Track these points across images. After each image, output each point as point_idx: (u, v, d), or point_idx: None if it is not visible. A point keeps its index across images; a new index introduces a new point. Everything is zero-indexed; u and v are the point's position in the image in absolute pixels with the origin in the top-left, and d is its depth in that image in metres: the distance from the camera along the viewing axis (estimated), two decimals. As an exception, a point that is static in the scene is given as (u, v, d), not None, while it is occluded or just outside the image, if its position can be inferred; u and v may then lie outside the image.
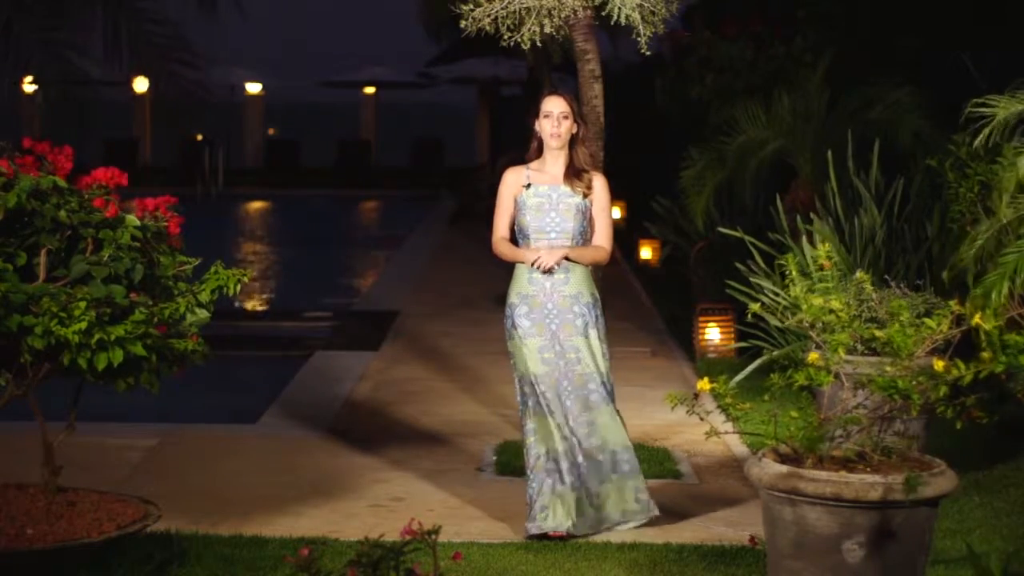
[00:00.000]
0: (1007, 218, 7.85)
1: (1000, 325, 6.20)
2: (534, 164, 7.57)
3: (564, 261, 7.42)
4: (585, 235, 7.49)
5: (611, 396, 7.50)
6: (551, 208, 7.45)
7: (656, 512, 7.59)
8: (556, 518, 7.38)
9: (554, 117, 7.47)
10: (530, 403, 7.44)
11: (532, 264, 7.40)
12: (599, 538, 7.43)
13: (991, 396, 6.05)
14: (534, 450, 7.45)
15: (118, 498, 6.94)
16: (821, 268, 7.13)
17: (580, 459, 7.42)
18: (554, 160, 7.52)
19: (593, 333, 7.44)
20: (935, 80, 13.07)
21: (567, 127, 7.48)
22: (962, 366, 5.97)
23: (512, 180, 7.56)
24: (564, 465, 7.40)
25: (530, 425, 7.45)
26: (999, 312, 7.44)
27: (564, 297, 7.42)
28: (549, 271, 7.41)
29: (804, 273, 6.88)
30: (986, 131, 8.06)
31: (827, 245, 7.52)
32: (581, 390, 7.38)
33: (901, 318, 6.40)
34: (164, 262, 6.82)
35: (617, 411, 7.54)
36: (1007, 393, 6.06)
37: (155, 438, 9.52)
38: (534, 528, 7.40)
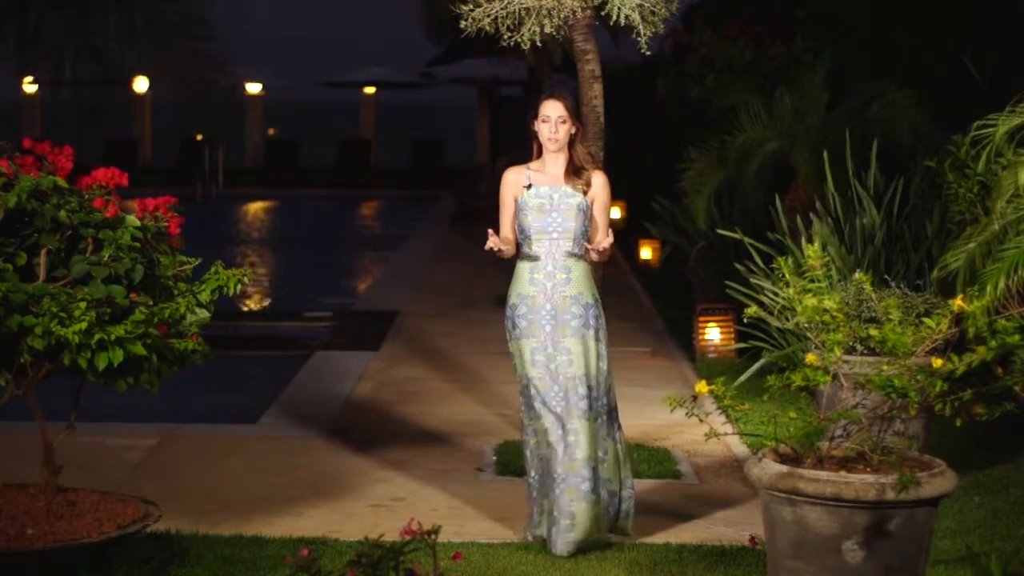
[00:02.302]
0: (1006, 218, 7.85)
1: (986, 305, 6.22)
2: (534, 164, 7.56)
3: (566, 262, 7.40)
4: (586, 235, 7.48)
5: (602, 402, 7.43)
6: (553, 209, 7.44)
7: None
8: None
9: (552, 122, 7.45)
10: (528, 404, 7.42)
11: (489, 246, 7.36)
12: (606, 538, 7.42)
13: (989, 390, 6.06)
14: (532, 452, 7.43)
15: (118, 498, 6.95)
16: (811, 268, 7.12)
17: (581, 462, 7.37)
18: (554, 161, 7.51)
19: (589, 333, 7.39)
20: (935, 79, 13.08)
21: (565, 130, 7.46)
22: (955, 359, 5.98)
23: (512, 180, 7.55)
24: (580, 467, 7.33)
25: (529, 427, 7.43)
26: (995, 309, 7.44)
27: (564, 298, 7.39)
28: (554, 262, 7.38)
29: (802, 274, 6.86)
30: (985, 153, 8.08)
31: (817, 245, 7.51)
32: (570, 394, 7.33)
33: (891, 315, 6.41)
34: (164, 262, 6.82)
35: (611, 417, 7.47)
36: (1006, 390, 6.07)
37: (155, 438, 9.52)
38: (530, 536, 7.37)
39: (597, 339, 7.42)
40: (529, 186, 7.49)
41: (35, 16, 10.63)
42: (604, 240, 7.37)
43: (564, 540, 7.20)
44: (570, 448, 7.27)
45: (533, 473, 7.43)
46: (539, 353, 7.36)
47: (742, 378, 10.05)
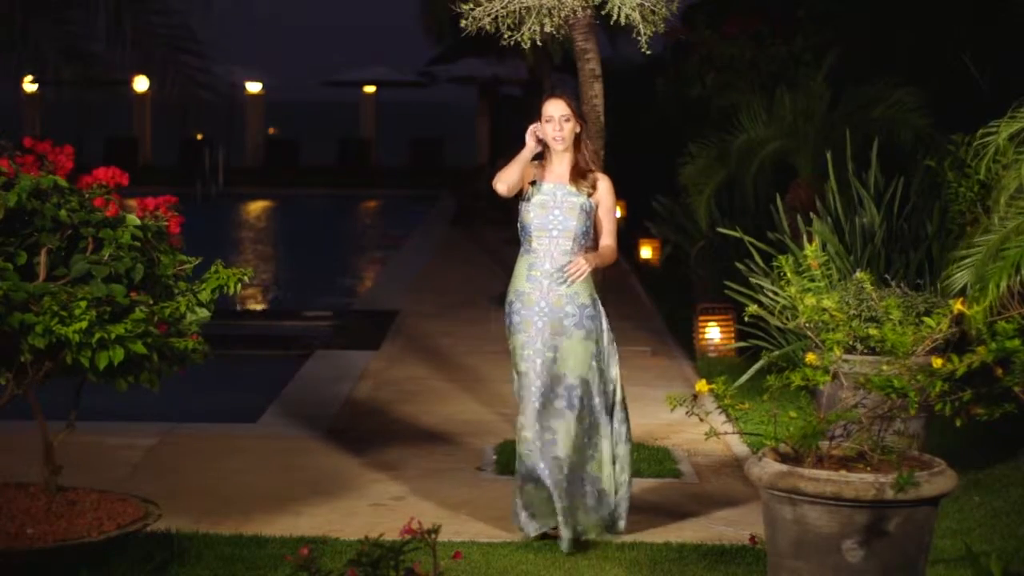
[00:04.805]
0: (1008, 224, 7.83)
1: (985, 308, 6.20)
2: (537, 163, 7.55)
3: (564, 261, 7.39)
4: (588, 235, 7.47)
5: (595, 402, 7.42)
6: (555, 206, 7.44)
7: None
8: (543, 517, 7.33)
9: (556, 121, 7.45)
10: (518, 399, 7.43)
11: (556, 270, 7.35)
12: (599, 538, 7.42)
13: (989, 391, 6.06)
14: (525, 447, 7.40)
15: (118, 497, 6.95)
16: (810, 268, 7.13)
17: (557, 460, 7.35)
18: (559, 160, 7.51)
19: (580, 334, 7.36)
20: (935, 79, 13.08)
21: (570, 129, 7.46)
22: (956, 359, 5.98)
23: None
24: (553, 465, 7.32)
25: (521, 422, 7.41)
26: (995, 308, 7.44)
27: (559, 296, 7.39)
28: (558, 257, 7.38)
29: (801, 273, 6.87)
30: (987, 159, 8.08)
31: (816, 244, 7.52)
32: (549, 393, 7.32)
33: (891, 315, 6.41)
34: (164, 261, 6.83)
35: (611, 418, 7.47)
36: (1006, 391, 6.07)
37: (155, 437, 9.52)
38: (532, 530, 7.35)
39: (588, 339, 7.37)
40: (534, 182, 7.50)
41: (19, 18, 10.63)
42: (578, 262, 7.35)
43: (532, 528, 7.31)
44: (547, 446, 7.28)
45: (524, 469, 7.41)
46: (528, 348, 7.35)
47: (743, 379, 10.06)
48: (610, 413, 7.46)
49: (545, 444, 7.29)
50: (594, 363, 7.41)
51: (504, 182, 7.43)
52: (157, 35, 11.00)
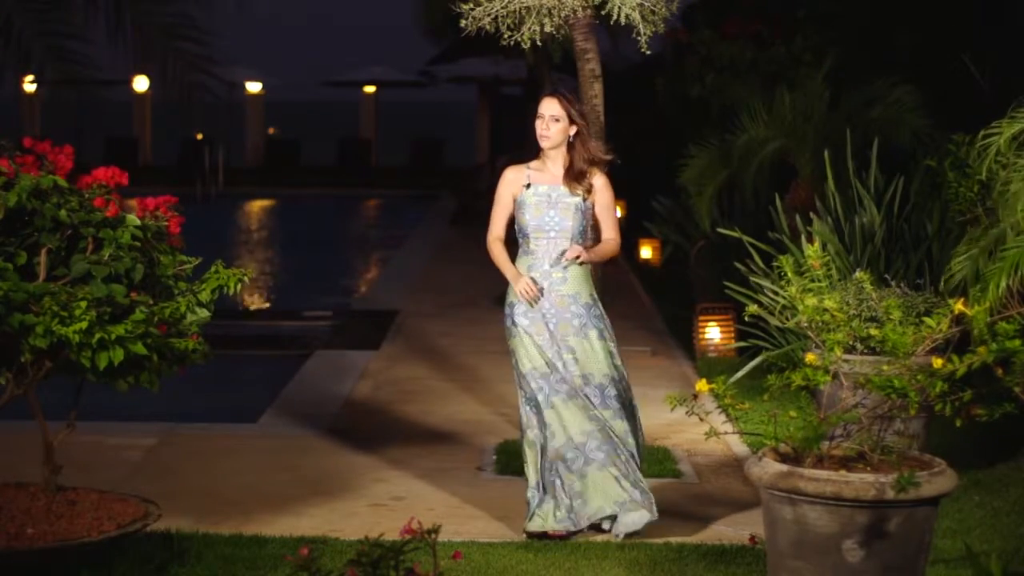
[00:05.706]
0: (1007, 223, 7.83)
1: (987, 308, 6.19)
2: (534, 164, 7.57)
3: (564, 261, 7.41)
4: (585, 234, 7.48)
5: (621, 398, 7.46)
6: (550, 207, 7.45)
7: (648, 518, 7.47)
8: (555, 518, 7.37)
9: (545, 119, 7.47)
10: (531, 401, 7.43)
11: (518, 291, 7.42)
12: (599, 537, 7.43)
13: (989, 391, 6.05)
14: (534, 449, 7.44)
15: (118, 497, 6.95)
16: (811, 268, 7.13)
17: (578, 458, 7.38)
18: (554, 160, 7.52)
19: (593, 333, 7.41)
20: (935, 80, 13.08)
21: (557, 130, 7.47)
22: (956, 359, 5.98)
23: (512, 178, 7.56)
24: (563, 464, 7.38)
25: (530, 423, 7.44)
26: (996, 308, 7.44)
27: (562, 297, 7.41)
28: (554, 253, 7.39)
29: (802, 273, 6.87)
30: (989, 159, 8.07)
31: (817, 245, 7.52)
32: (579, 391, 7.35)
33: (892, 315, 6.41)
34: (164, 261, 6.83)
35: (632, 414, 7.52)
36: (1006, 391, 6.06)
37: (155, 438, 9.52)
38: (534, 527, 7.39)
39: (602, 338, 7.43)
40: (528, 185, 7.51)
41: (3, 13, 10.60)
42: (574, 250, 7.36)
43: (582, 515, 7.33)
44: (589, 440, 7.30)
45: (532, 470, 7.43)
46: (548, 349, 7.37)
47: (740, 373, 10.07)
48: (629, 409, 7.50)
49: (579, 441, 7.31)
50: (615, 362, 7.45)
51: (491, 253, 7.61)
52: (157, 25, 10.97)
